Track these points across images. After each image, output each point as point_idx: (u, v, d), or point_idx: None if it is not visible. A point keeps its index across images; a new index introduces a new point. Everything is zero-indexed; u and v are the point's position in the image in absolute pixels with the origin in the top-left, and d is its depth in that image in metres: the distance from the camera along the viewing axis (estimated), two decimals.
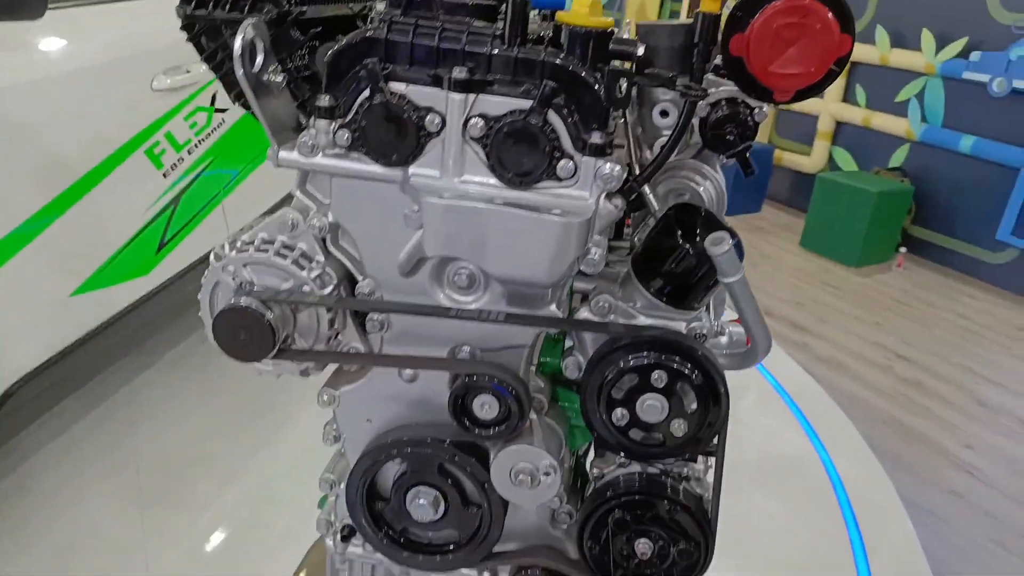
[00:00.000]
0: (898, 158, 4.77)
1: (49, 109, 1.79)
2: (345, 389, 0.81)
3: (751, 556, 2.16)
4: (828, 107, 5.00)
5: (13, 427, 1.86)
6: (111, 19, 2.04)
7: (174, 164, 2.23)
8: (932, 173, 4.61)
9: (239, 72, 0.66)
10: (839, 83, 4.83)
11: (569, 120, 0.66)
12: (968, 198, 4.48)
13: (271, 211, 0.78)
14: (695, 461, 0.79)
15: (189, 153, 2.29)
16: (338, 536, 0.87)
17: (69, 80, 1.85)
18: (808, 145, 5.19)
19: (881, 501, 2.47)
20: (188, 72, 2.20)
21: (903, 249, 4.64)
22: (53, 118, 1.80)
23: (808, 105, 5.00)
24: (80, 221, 1.87)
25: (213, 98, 2.37)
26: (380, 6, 0.88)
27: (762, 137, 5.43)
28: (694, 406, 0.70)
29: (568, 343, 0.81)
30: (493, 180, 0.68)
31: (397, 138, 0.68)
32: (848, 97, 4.98)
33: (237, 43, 0.65)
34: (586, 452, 0.89)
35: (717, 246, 0.67)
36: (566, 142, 0.67)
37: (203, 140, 2.35)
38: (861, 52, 4.57)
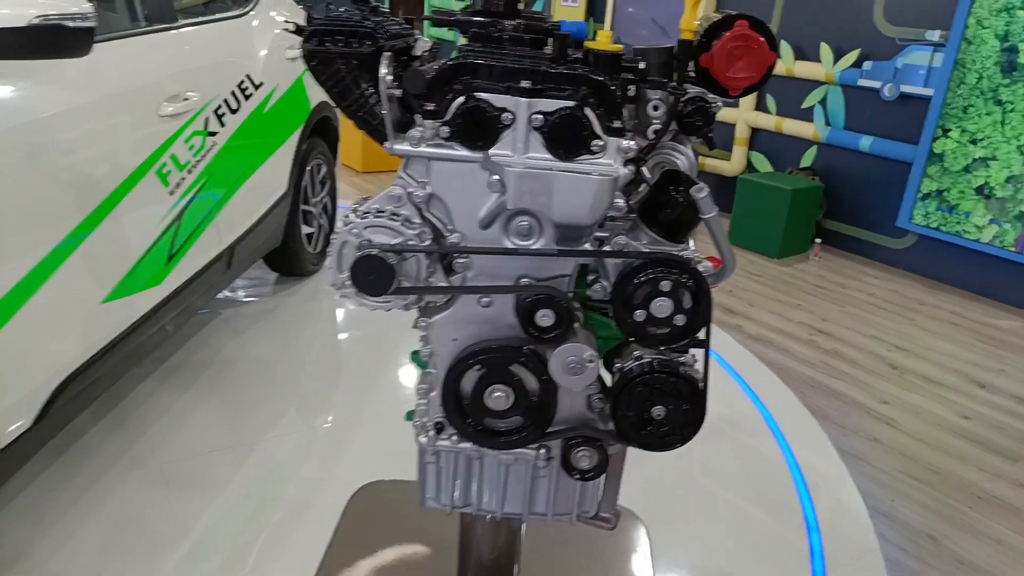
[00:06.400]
0: (808, 158, 5.33)
1: (81, 133, 2.01)
2: (437, 317, 1.11)
3: (703, 489, 2.52)
4: (744, 115, 5.53)
5: (60, 422, 2.04)
6: (123, 52, 2.27)
7: (178, 182, 2.46)
8: (838, 171, 5.18)
9: (382, 87, 0.97)
10: (753, 94, 5.36)
11: (598, 112, 0.99)
12: (871, 191, 5.05)
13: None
14: (687, 353, 1.12)
15: (189, 172, 2.52)
16: (431, 432, 1.16)
17: (96, 107, 2.08)
18: (728, 151, 5.71)
19: (815, 445, 2.87)
20: (186, 99, 2.44)
21: (818, 240, 5.18)
22: (86, 141, 2.02)
23: (726, 115, 5.52)
24: (109, 234, 2.08)
25: (205, 122, 2.61)
26: (424, 43, 1.20)
27: None
28: (689, 303, 1.03)
29: (591, 277, 1.13)
30: (549, 156, 1.00)
31: (482, 130, 0.99)
32: (760, 106, 5.53)
33: (383, 68, 0.95)
34: (606, 362, 1.20)
35: (699, 192, 1.01)
36: (597, 128, 0.99)
37: (199, 160, 2.59)
38: None
